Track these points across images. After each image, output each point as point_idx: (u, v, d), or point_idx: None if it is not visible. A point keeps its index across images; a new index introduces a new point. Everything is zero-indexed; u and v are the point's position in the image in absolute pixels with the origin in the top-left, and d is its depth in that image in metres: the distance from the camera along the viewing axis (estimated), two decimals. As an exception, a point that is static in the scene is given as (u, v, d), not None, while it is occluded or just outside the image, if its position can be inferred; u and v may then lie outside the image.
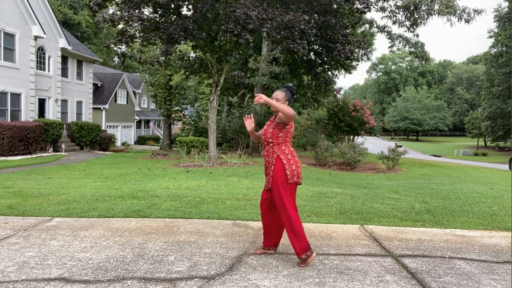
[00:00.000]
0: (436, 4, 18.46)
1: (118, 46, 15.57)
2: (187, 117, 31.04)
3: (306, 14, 12.84)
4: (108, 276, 3.13)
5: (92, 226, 4.63)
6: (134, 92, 38.87)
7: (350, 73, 26.75)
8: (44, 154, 16.87)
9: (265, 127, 3.71)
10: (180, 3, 12.54)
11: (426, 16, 18.90)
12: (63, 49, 21.74)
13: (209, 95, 14.56)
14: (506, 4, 40.19)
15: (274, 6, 12.60)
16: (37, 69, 19.54)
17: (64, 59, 22.62)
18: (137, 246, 3.89)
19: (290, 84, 3.80)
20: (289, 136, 3.63)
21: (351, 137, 21.49)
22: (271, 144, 3.61)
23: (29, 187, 7.54)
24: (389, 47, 21.05)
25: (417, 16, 19.00)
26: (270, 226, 3.74)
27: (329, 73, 21.83)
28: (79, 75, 24.62)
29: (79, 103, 24.60)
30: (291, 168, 3.49)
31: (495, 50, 42.83)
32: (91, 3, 12.32)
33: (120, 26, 13.07)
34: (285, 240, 4.19)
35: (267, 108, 19.21)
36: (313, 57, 20.16)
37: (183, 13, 12.84)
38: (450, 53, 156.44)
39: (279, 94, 3.64)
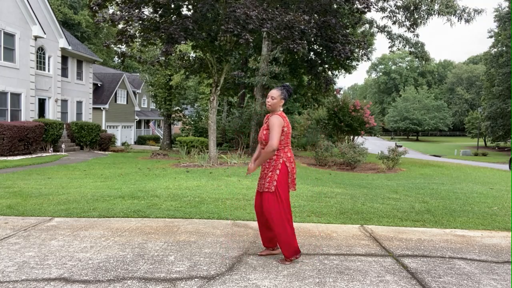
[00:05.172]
0: (436, 4, 18.45)
1: (118, 46, 15.58)
2: (187, 117, 31.05)
3: (306, 14, 12.83)
4: (108, 276, 3.13)
5: (92, 226, 4.63)
6: (134, 92, 38.87)
7: (350, 73, 26.75)
8: (44, 154, 16.87)
9: (264, 128, 3.62)
10: (180, 3, 12.54)
11: (426, 16, 18.87)
12: (63, 49, 21.73)
13: (209, 95, 14.56)
14: (506, 4, 40.17)
15: (274, 6, 12.60)
16: (37, 69, 19.54)
17: (64, 59, 22.61)
18: (137, 246, 3.89)
19: (288, 84, 3.73)
20: (289, 137, 3.58)
21: (351, 137, 21.51)
22: None
23: (29, 187, 7.54)
24: (389, 47, 21.02)
25: (417, 16, 18.98)
26: (267, 228, 3.69)
27: (329, 73, 21.81)
28: (79, 75, 24.62)
29: (79, 103, 24.59)
30: (293, 176, 3.56)
31: (495, 50, 42.80)
32: (91, 3, 12.31)
33: (120, 26, 13.06)
34: (285, 240, 4.19)
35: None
36: (313, 57, 20.14)
37: (183, 13, 12.84)
38: (450, 53, 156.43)
39: (274, 92, 3.57)
